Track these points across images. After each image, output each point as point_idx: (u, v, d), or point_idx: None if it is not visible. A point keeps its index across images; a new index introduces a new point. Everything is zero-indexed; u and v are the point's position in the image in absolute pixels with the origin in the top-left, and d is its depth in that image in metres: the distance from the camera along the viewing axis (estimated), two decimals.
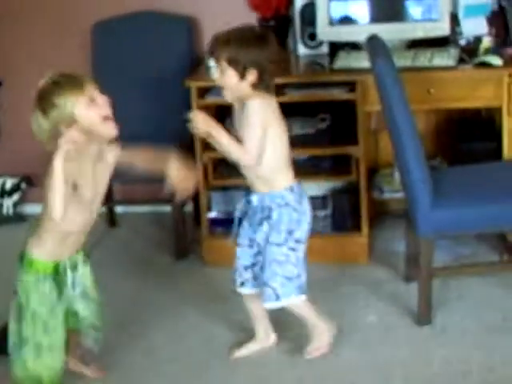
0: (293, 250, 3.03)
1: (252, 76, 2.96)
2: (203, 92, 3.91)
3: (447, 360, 3.12)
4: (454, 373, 3.04)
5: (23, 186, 4.81)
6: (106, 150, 2.83)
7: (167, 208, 4.20)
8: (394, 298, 3.61)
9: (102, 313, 3.03)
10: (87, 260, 2.99)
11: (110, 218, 4.66)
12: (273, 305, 3.08)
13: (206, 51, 3.20)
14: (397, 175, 3.91)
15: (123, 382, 3.15)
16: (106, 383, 3.15)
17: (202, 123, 2.99)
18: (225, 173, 4.09)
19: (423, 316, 3.36)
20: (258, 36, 3.01)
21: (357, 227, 3.99)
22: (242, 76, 2.96)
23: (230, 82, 2.99)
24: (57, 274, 2.83)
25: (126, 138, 4.34)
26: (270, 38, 3.03)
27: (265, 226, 3.05)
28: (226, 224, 4.08)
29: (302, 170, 4.02)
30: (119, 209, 4.73)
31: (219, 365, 3.21)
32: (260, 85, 2.99)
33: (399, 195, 3.83)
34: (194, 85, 3.87)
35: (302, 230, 3.07)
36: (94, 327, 3.01)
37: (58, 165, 2.59)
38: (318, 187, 4.16)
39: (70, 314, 2.92)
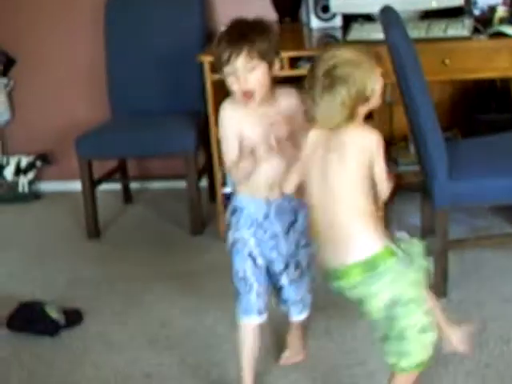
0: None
1: (278, 64, 2.65)
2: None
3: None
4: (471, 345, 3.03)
5: (38, 164, 4.82)
6: None
7: (182, 183, 4.20)
8: None
9: None
10: None
11: (126, 195, 4.67)
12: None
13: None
14: (412, 148, 3.89)
15: (140, 352, 3.17)
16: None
17: None
18: None
19: (439, 289, 3.34)
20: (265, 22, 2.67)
21: None
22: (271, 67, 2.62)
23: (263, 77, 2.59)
24: None
25: (140, 112, 4.38)
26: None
27: (291, 234, 2.76)
28: None
29: None
30: (134, 185, 4.74)
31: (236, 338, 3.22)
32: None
33: (414, 168, 3.81)
34: (206, 60, 3.85)
35: None
36: None
37: None
38: None
39: None
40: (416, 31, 3.71)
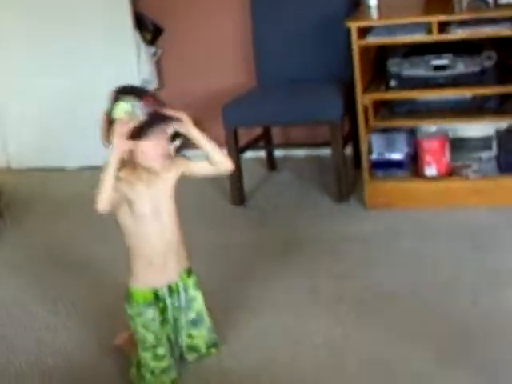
0: None
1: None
2: (364, 32, 3.85)
3: None
4: None
5: None
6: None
7: (327, 151, 4.18)
8: None
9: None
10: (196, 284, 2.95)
11: (270, 162, 4.70)
12: None
13: None
14: None
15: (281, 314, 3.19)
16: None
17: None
18: (386, 114, 4.04)
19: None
20: None
21: None
22: None
23: None
24: (158, 301, 2.84)
25: (286, 80, 4.39)
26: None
27: None
28: (387, 167, 4.05)
29: (466, 110, 3.93)
30: (278, 152, 4.76)
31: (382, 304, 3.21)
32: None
33: None
34: (354, 25, 3.81)
35: None
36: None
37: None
38: (482, 128, 4.06)
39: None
40: None
